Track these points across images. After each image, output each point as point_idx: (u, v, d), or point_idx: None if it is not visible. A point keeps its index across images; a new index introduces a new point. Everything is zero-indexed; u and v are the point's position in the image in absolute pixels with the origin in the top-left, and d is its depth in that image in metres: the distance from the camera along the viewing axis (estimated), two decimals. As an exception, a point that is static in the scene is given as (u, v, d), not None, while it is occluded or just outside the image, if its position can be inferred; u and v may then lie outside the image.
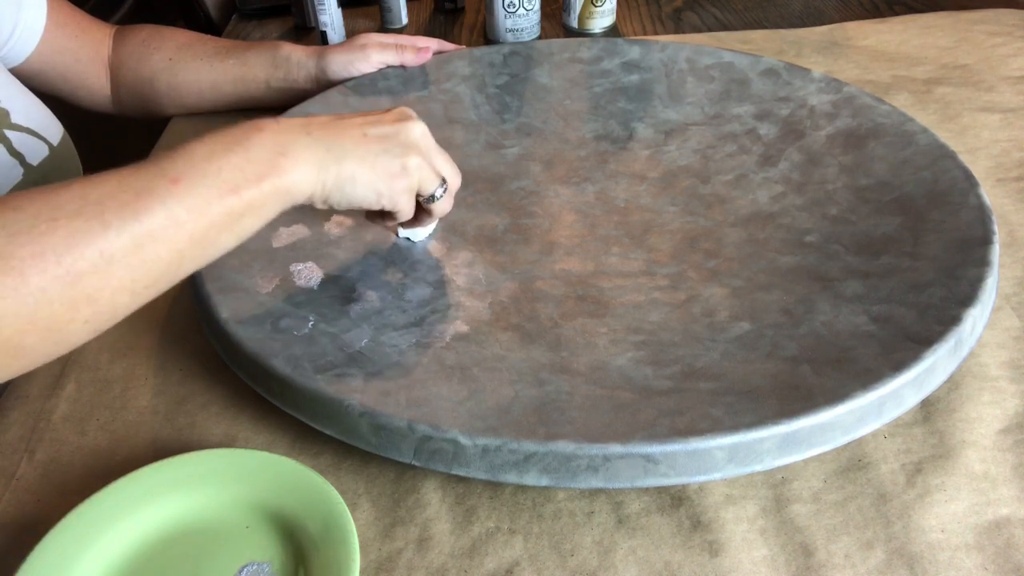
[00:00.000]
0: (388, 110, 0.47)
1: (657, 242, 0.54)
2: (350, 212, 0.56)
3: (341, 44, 0.70)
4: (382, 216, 0.49)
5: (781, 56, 0.78)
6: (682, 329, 0.46)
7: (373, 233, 0.54)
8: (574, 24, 0.87)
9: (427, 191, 0.47)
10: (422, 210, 0.49)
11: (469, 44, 0.85)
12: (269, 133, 0.40)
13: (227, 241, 0.40)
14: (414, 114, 0.47)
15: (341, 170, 0.42)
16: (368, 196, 0.44)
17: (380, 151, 0.44)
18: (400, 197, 0.45)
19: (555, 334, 0.46)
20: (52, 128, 0.61)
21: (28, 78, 0.65)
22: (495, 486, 0.41)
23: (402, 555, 0.38)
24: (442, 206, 0.49)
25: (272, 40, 0.72)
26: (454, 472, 0.38)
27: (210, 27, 1.06)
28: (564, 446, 0.36)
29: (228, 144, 0.39)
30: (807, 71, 0.66)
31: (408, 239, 0.54)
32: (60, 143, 0.61)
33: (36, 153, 0.58)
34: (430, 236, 0.55)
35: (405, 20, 0.92)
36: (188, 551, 0.37)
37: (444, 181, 0.48)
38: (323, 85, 0.69)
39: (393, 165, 0.44)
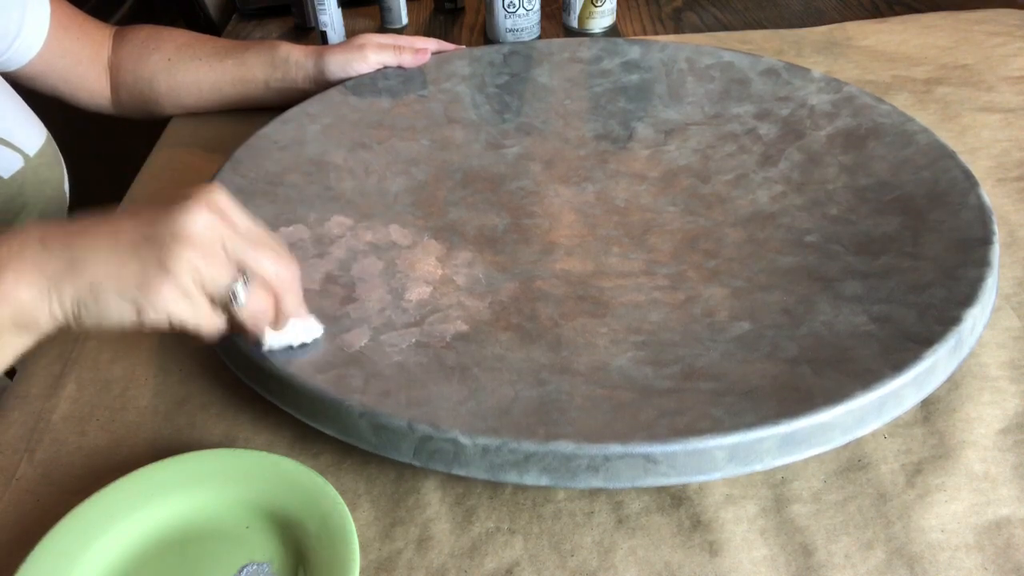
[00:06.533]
0: (186, 193, 0.37)
1: (657, 242, 0.54)
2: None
3: (339, 44, 0.70)
4: (196, 334, 0.38)
5: (781, 56, 0.78)
6: (682, 329, 0.46)
7: (373, 232, 0.54)
8: (574, 24, 0.87)
9: (217, 291, 0.37)
10: (232, 317, 0.39)
11: (469, 44, 0.85)
12: None
13: None
14: (216, 193, 0.37)
15: (78, 281, 0.35)
16: (121, 311, 0.35)
17: (129, 252, 0.35)
18: (172, 305, 0.36)
19: (555, 334, 0.46)
20: (31, 138, 0.59)
21: (29, 80, 0.65)
22: (495, 486, 0.41)
23: (402, 555, 0.38)
24: (251, 308, 0.38)
25: (272, 40, 0.72)
26: (454, 472, 0.38)
27: (210, 27, 1.06)
28: (564, 446, 0.36)
29: None
30: (807, 71, 0.66)
31: (271, 349, 0.42)
32: (38, 154, 0.59)
33: (8, 166, 0.57)
34: (310, 342, 0.43)
35: (405, 20, 0.92)
36: (188, 551, 0.37)
37: (243, 274, 0.37)
38: (322, 85, 0.69)
39: (147, 266, 0.35)
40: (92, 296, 0.35)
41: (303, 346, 0.43)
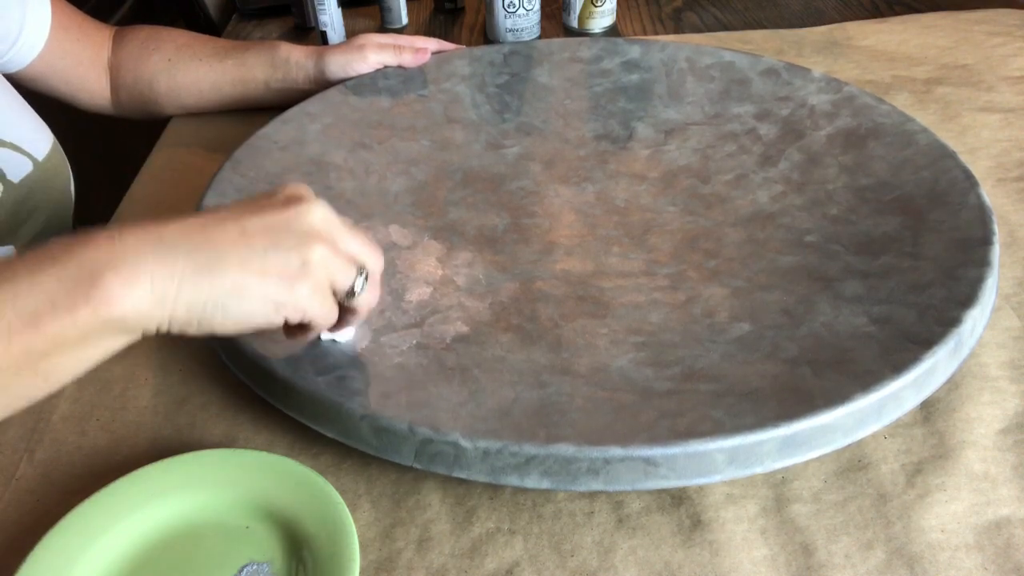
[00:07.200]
0: (276, 190, 0.38)
1: (657, 242, 0.54)
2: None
3: (339, 45, 0.70)
4: (299, 328, 0.39)
5: (781, 56, 0.78)
6: (682, 330, 0.46)
7: (373, 233, 0.54)
8: (574, 24, 0.87)
9: (343, 286, 0.38)
10: (344, 309, 0.40)
11: (469, 44, 0.85)
12: (99, 245, 0.32)
13: (31, 388, 0.32)
14: (309, 191, 0.38)
15: (219, 282, 0.34)
16: (262, 310, 0.35)
17: (268, 248, 0.35)
18: (308, 302, 0.36)
19: (555, 335, 0.46)
20: (39, 142, 0.59)
21: (29, 81, 0.65)
22: (495, 487, 0.41)
23: (402, 555, 0.38)
24: (367, 299, 0.40)
25: (272, 40, 0.72)
26: (455, 475, 0.38)
27: (210, 27, 1.06)
28: (564, 449, 0.36)
29: (39, 262, 0.31)
30: (807, 71, 0.66)
31: (333, 341, 0.44)
32: (46, 158, 0.59)
33: (18, 169, 0.57)
34: (356, 335, 0.45)
35: (405, 20, 0.92)
36: (188, 551, 0.37)
37: (363, 269, 0.39)
38: (322, 85, 0.69)
39: (289, 263, 0.35)
40: (235, 296, 0.34)
41: (333, 343, 0.44)
